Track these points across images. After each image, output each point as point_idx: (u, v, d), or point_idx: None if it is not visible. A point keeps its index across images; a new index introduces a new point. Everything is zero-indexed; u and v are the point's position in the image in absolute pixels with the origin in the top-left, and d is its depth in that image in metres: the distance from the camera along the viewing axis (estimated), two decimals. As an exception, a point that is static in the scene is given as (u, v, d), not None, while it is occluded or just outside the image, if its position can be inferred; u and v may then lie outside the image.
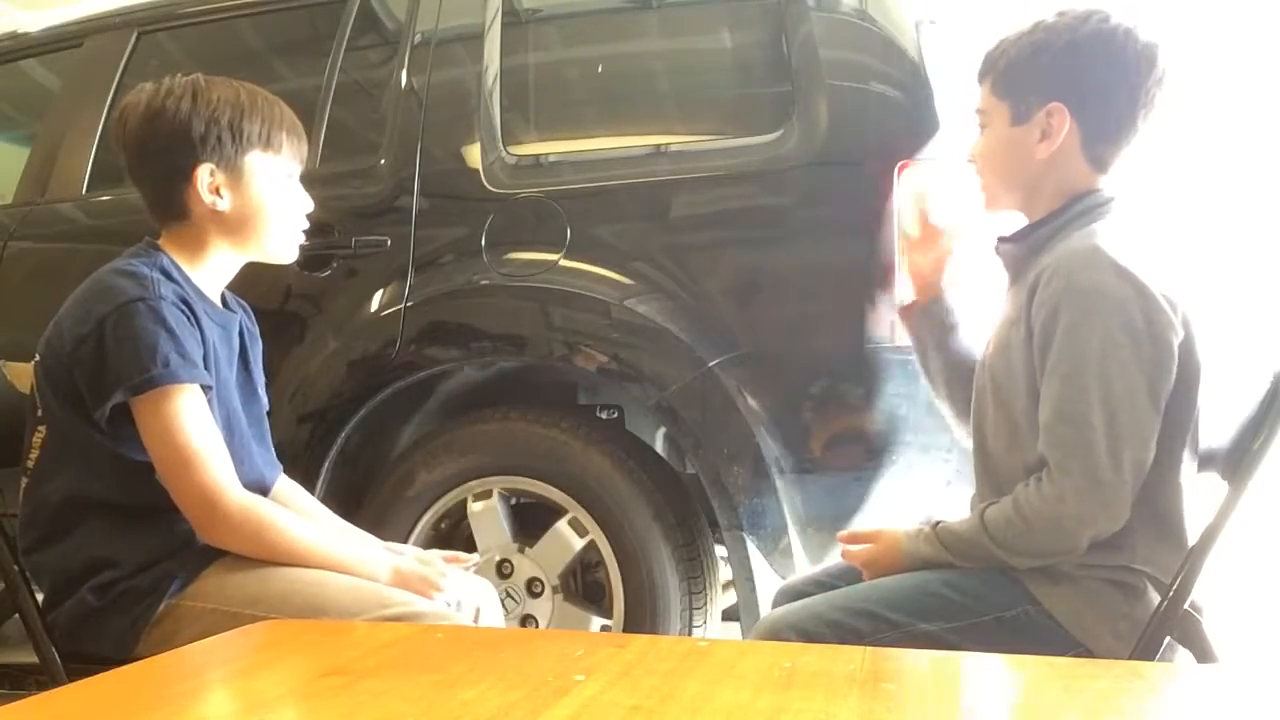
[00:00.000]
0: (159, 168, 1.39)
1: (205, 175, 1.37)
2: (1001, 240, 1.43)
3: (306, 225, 1.48)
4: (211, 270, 1.43)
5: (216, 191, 1.38)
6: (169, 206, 1.40)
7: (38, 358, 1.37)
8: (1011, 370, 1.32)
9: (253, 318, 1.54)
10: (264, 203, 1.41)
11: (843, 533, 1.49)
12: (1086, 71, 1.32)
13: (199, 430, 1.28)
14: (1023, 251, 1.39)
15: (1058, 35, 1.33)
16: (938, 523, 1.36)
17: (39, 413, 1.37)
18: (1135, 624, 1.24)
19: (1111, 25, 1.32)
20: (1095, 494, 1.22)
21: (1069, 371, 1.23)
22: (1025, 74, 1.35)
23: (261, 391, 1.53)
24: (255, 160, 1.40)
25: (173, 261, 1.38)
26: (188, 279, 1.38)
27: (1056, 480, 1.23)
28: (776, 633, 1.33)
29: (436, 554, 1.47)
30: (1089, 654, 1.24)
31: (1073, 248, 1.28)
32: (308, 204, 1.47)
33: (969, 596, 1.29)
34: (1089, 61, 1.32)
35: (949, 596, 1.29)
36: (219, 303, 1.45)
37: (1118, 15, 1.32)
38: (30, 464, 1.38)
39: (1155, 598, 1.26)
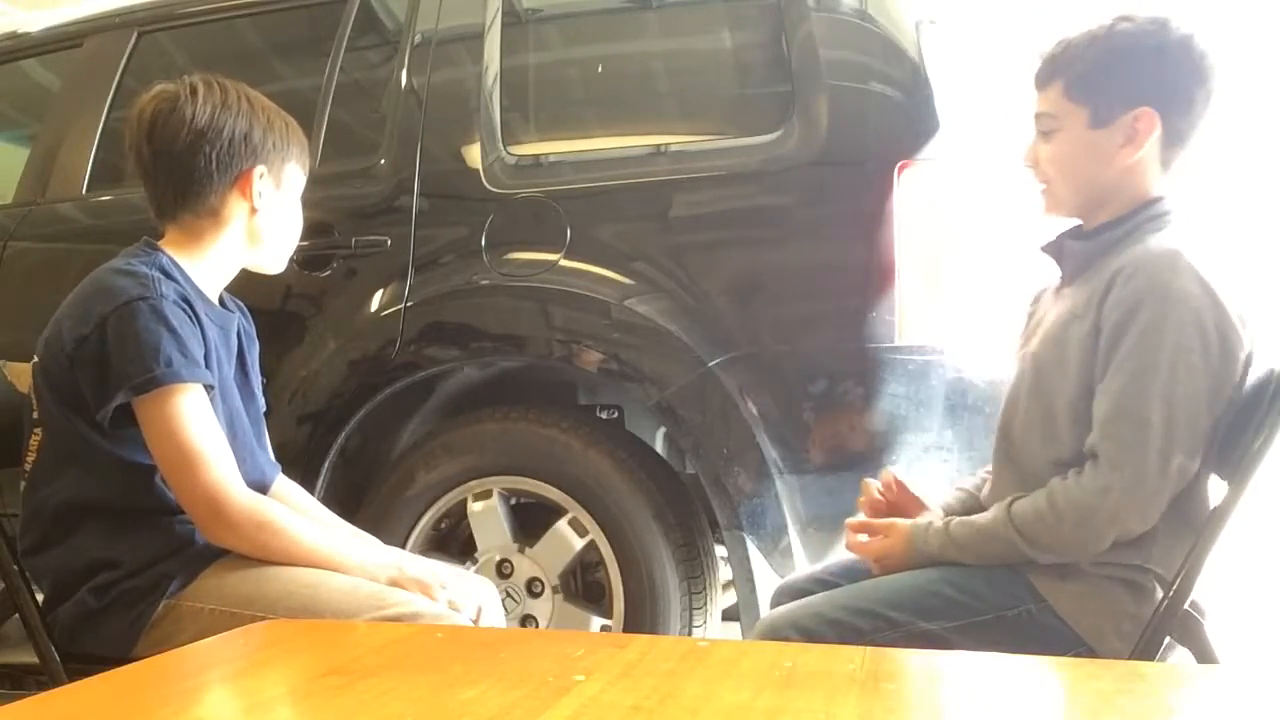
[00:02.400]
0: (209, 165, 1.38)
1: (257, 178, 1.40)
2: (1069, 239, 1.41)
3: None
4: (214, 269, 1.44)
5: (259, 195, 1.41)
6: (196, 205, 1.39)
7: (36, 358, 1.37)
8: (1063, 363, 1.32)
9: (249, 319, 1.54)
10: (290, 210, 1.47)
11: (852, 520, 1.47)
12: (1174, 77, 1.31)
13: (203, 429, 1.28)
14: (1091, 251, 1.37)
15: (1143, 40, 1.32)
16: (950, 519, 1.35)
17: (35, 414, 1.37)
18: (1140, 624, 1.24)
19: (1189, 32, 1.32)
20: (1137, 493, 1.22)
21: (1137, 369, 1.23)
22: (1109, 77, 1.33)
23: (259, 392, 1.53)
24: (292, 170, 1.46)
25: (172, 260, 1.38)
26: (188, 278, 1.38)
27: (1105, 473, 1.23)
28: (777, 631, 1.33)
29: (446, 566, 1.47)
30: (1091, 653, 1.24)
31: (1152, 250, 1.28)
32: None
33: (970, 595, 1.28)
34: (1176, 67, 1.31)
35: (950, 595, 1.29)
36: (217, 303, 1.45)
37: (1186, 23, 1.32)
38: (28, 466, 1.38)
39: (1162, 598, 1.26)
